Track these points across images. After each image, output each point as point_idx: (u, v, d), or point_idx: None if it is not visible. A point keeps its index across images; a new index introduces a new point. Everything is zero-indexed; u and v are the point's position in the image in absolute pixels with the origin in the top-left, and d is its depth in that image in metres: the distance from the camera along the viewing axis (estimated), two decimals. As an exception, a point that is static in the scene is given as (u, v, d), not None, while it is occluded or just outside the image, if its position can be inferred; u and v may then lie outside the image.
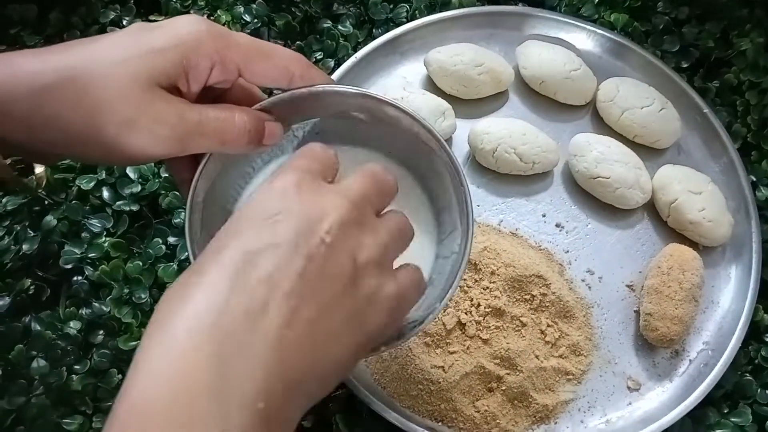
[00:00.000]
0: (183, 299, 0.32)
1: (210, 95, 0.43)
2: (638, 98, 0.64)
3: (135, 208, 0.61)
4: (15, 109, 0.38)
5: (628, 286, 0.61)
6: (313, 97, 0.44)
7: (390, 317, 0.36)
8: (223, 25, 0.69)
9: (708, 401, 0.57)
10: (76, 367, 0.56)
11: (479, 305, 0.57)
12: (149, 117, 0.38)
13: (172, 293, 0.33)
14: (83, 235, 0.60)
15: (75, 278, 0.59)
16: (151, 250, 0.59)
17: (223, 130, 0.41)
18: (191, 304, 0.31)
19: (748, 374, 0.59)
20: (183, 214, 0.50)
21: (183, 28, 0.40)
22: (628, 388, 0.58)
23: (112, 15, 0.68)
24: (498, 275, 0.58)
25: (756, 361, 0.60)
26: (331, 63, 0.68)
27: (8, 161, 0.43)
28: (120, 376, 0.56)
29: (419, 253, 0.45)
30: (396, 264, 0.39)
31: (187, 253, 0.49)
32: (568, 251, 0.62)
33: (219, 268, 0.32)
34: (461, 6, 0.70)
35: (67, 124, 0.38)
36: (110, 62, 0.38)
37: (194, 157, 0.44)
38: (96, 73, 0.38)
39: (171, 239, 0.60)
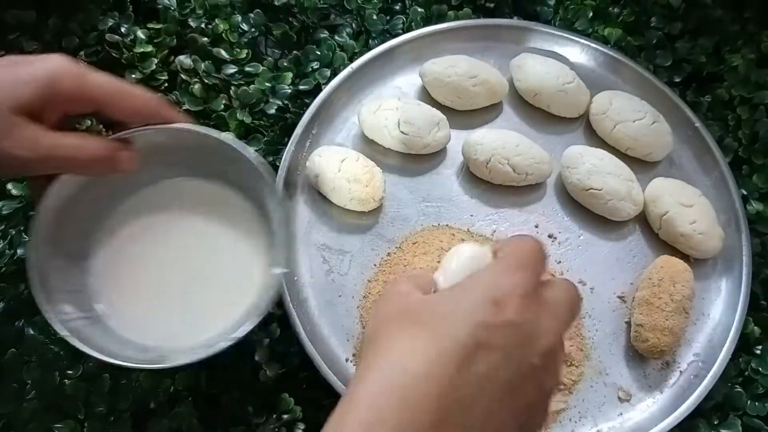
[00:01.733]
0: (412, 359, 0.35)
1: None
2: (631, 112, 0.65)
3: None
4: None
5: (619, 297, 0.62)
6: (166, 133, 0.51)
7: None
8: (221, 33, 0.69)
9: (698, 412, 0.58)
10: (69, 372, 0.56)
11: (472, 314, 0.57)
12: (8, 140, 0.44)
13: (395, 339, 0.36)
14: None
15: (69, 283, 0.59)
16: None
17: (74, 156, 0.47)
18: (423, 368, 0.34)
19: (738, 386, 0.60)
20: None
21: (47, 65, 0.46)
22: (619, 398, 0.58)
23: (110, 22, 0.69)
24: (491, 285, 0.58)
25: (746, 373, 0.60)
26: (327, 73, 0.68)
27: None
28: (111, 381, 0.56)
29: (257, 276, 0.53)
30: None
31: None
32: (560, 262, 0.63)
33: (454, 347, 0.35)
34: (457, 18, 0.71)
35: None
36: None
37: (51, 177, 0.50)
38: None
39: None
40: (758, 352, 0.61)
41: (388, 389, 0.34)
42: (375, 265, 0.61)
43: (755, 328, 0.61)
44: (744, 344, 0.61)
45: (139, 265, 0.54)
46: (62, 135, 0.46)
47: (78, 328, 0.49)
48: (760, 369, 0.59)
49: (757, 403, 0.59)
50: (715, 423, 0.58)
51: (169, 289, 0.54)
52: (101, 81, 0.47)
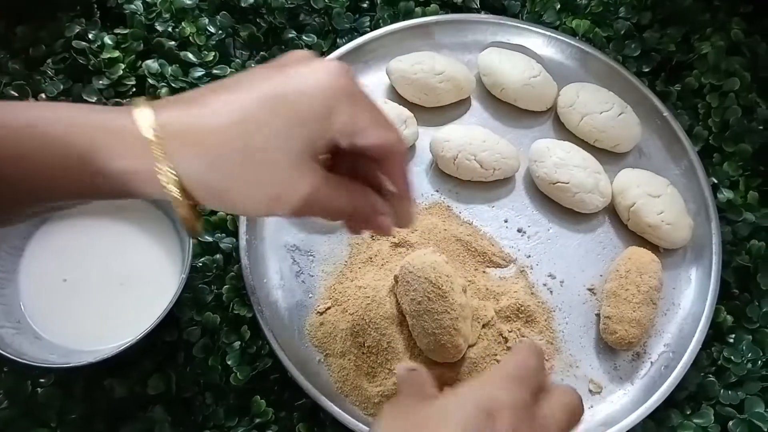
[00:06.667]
0: None
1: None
2: (597, 103, 0.65)
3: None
4: None
5: (589, 289, 0.62)
6: None
7: None
8: (188, 37, 0.69)
9: (671, 403, 0.58)
10: (42, 380, 0.57)
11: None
12: (297, 191, 0.39)
13: None
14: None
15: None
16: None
17: (339, 211, 0.42)
18: None
19: (711, 375, 0.60)
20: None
21: (328, 87, 0.38)
22: (590, 391, 0.58)
23: (77, 29, 0.69)
24: (460, 281, 0.58)
25: (719, 362, 0.60)
26: (296, 73, 0.68)
27: None
28: (84, 388, 0.57)
29: (168, 274, 0.58)
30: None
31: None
32: (529, 256, 0.63)
33: None
34: (424, 15, 0.71)
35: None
36: (271, 130, 0.38)
37: None
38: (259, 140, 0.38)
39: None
40: (731, 340, 0.61)
41: None
42: (345, 263, 0.61)
43: (728, 316, 0.61)
44: (717, 333, 0.61)
45: (63, 274, 0.58)
46: (336, 185, 0.41)
47: (1, 335, 0.53)
48: (732, 357, 0.59)
49: (729, 392, 0.59)
50: (688, 413, 0.58)
51: (91, 296, 0.57)
52: (369, 109, 0.41)
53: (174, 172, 0.37)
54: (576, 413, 0.40)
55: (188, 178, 0.37)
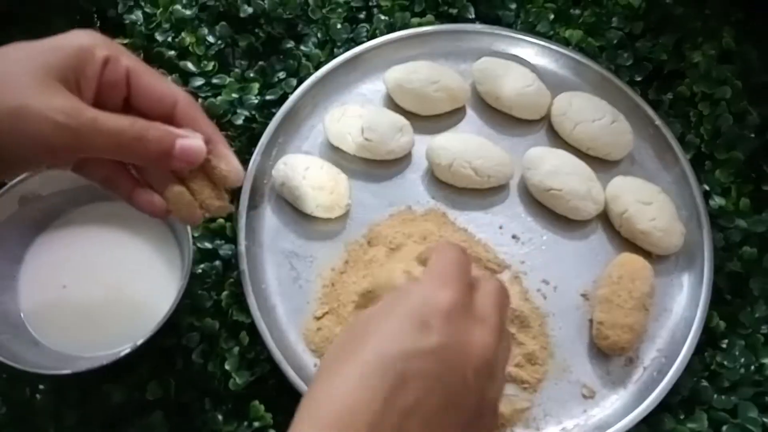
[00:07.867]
0: (335, 394, 0.35)
1: None
2: (590, 112, 0.66)
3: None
4: None
5: (582, 295, 0.62)
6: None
7: None
8: (188, 47, 0.70)
9: (665, 408, 0.58)
10: (40, 386, 0.57)
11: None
12: (44, 103, 0.39)
13: (321, 384, 0.36)
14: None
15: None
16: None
17: (119, 132, 0.41)
18: (345, 404, 0.34)
19: (704, 380, 0.60)
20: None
21: (81, 34, 0.43)
22: (583, 395, 0.59)
23: (77, 39, 0.70)
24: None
25: (712, 367, 0.60)
26: (294, 82, 0.69)
27: None
28: (82, 394, 0.57)
29: (167, 281, 0.59)
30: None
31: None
32: (523, 262, 0.63)
33: (381, 380, 0.34)
34: (420, 25, 0.72)
35: None
36: (10, 61, 0.41)
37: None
38: None
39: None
40: (724, 346, 0.61)
41: (323, 421, 0.35)
42: (342, 269, 0.62)
43: (720, 322, 0.62)
44: (710, 339, 0.61)
45: (62, 281, 0.59)
46: (107, 113, 0.41)
47: (0, 341, 0.53)
48: (725, 362, 0.60)
49: (723, 397, 0.59)
50: (681, 417, 0.59)
51: (90, 302, 0.58)
52: (133, 57, 0.44)
53: None
54: (503, 301, 0.41)
55: None
